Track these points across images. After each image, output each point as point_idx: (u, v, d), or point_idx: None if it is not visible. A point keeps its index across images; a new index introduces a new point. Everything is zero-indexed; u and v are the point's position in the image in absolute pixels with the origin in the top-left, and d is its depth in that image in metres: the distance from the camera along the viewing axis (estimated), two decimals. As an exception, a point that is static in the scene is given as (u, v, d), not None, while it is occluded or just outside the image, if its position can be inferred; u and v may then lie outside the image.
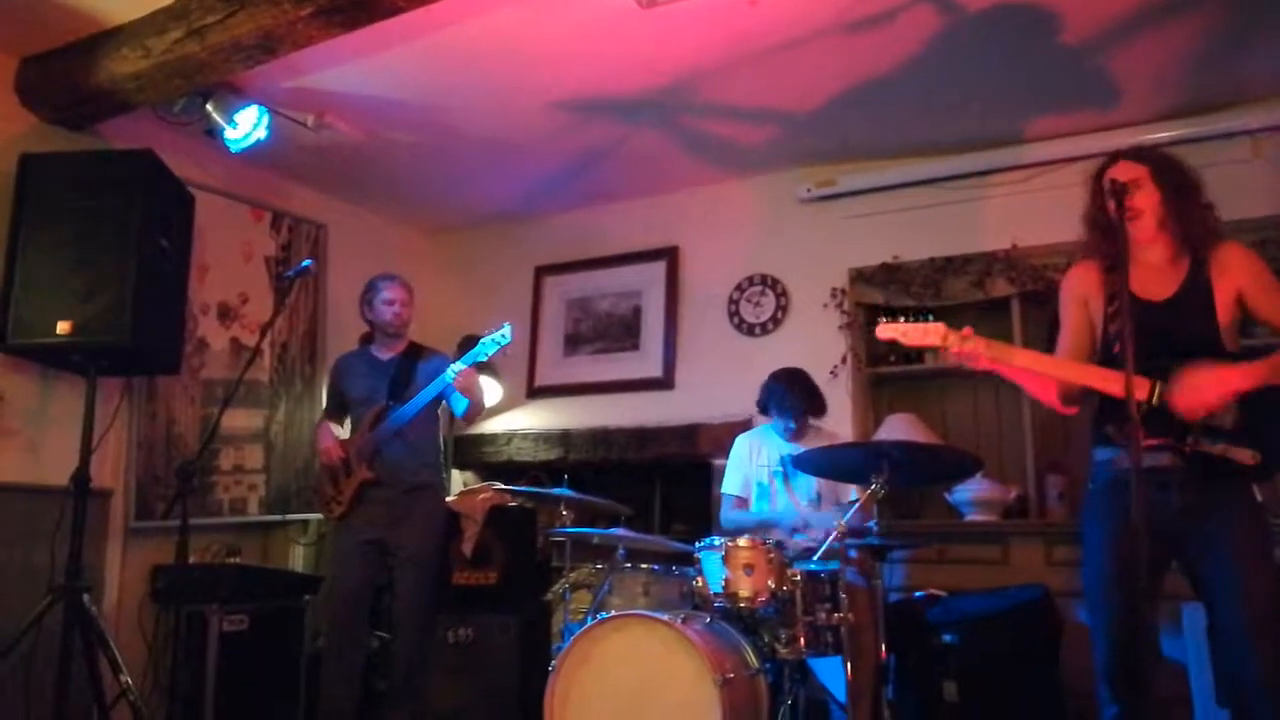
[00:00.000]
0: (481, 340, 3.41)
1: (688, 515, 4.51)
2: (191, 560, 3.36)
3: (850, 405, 4.12)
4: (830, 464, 3.13)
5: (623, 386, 4.70)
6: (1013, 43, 3.24)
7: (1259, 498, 2.19)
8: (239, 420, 4.14)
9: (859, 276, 4.22)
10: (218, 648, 3.43)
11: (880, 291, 4.16)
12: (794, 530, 3.39)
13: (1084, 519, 2.41)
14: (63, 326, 3.03)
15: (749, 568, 2.83)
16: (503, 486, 4.08)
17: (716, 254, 4.63)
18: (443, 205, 4.97)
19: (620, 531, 3.23)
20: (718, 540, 2.91)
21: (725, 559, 2.85)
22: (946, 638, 3.25)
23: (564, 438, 4.74)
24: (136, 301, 3.06)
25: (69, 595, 2.93)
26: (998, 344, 2.36)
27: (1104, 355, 2.36)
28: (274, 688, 3.67)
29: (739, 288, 4.54)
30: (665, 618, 2.68)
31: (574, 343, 4.94)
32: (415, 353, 3.72)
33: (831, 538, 2.92)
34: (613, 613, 2.85)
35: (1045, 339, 3.12)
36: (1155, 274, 2.32)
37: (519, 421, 4.95)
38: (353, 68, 3.42)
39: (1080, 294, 2.46)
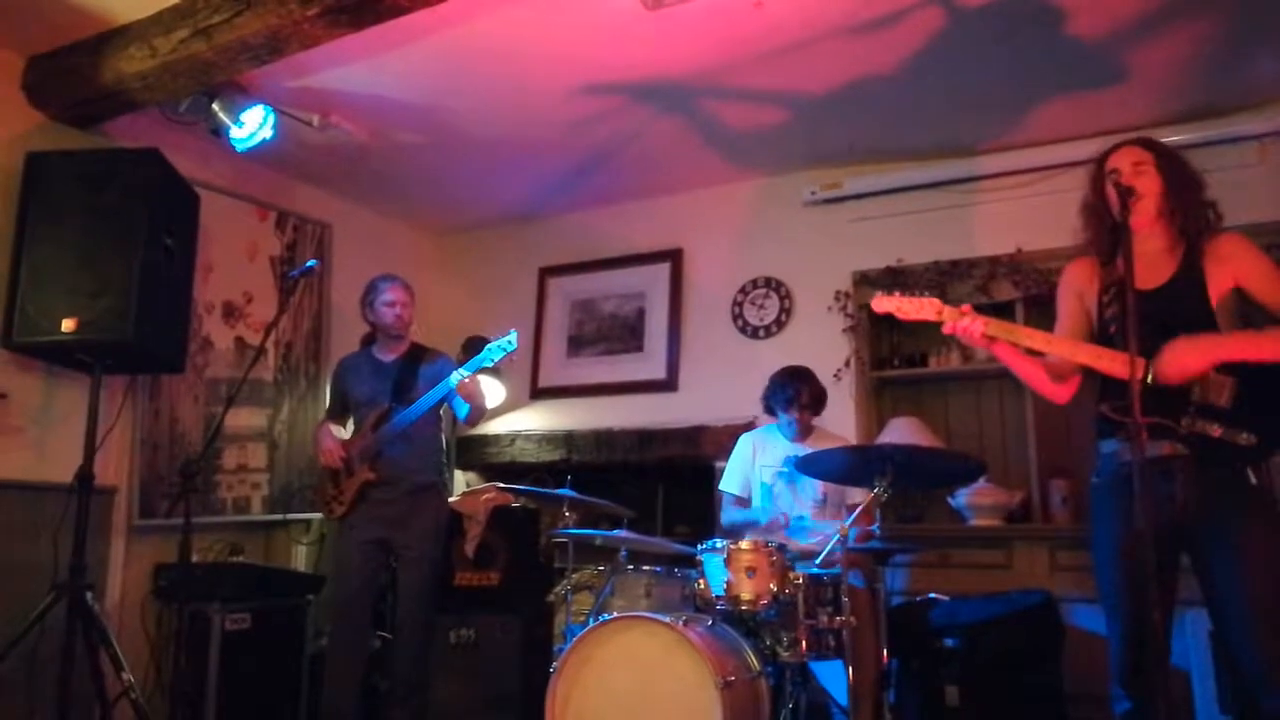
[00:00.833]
0: (487, 346, 3.41)
1: (690, 517, 4.50)
2: (194, 559, 3.36)
3: (854, 408, 4.12)
4: (834, 467, 3.12)
5: (626, 388, 4.70)
6: (1019, 46, 3.24)
7: (1255, 480, 2.18)
8: (242, 419, 4.14)
9: (863, 279, 4.22)
10: (220, 646, 3.43)
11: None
12: (778, 527, 3.39)
13: (1093, 514, 2.40)
14: (68, 324, 3.04)
15: (751, 570, 2.83)
16: (506, 486, 4.08)
17: (721, 256, 4.63)
18: (447, 206, 4.97)
19: (623, 533, 3.22)
20: (720, 543, 2.91)
21: (727, 561, 2.85)
22: (948, 642, 3.24)
23: (567, 439, 4.73)
24: (141, 300, 3.06)
25: (72, 593, 2.94)
26: (997, 321, 2.35)
27: (1100, 341, 2.36)
28: (275, 687, 3.67)
29: (743, 290, 4.54)
30: (667, 620, 2.68)
31: (578, 344, 4.95)
32: (418, 354, 3.72)
33: (833, 541, 2.91)
34: (615, 614, 2.84)
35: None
36: (1149, 262, 2.31)
37: (522, 422, 4.95)
38: (359, 68, 3.43)
39: (1075, 287, 2.48)
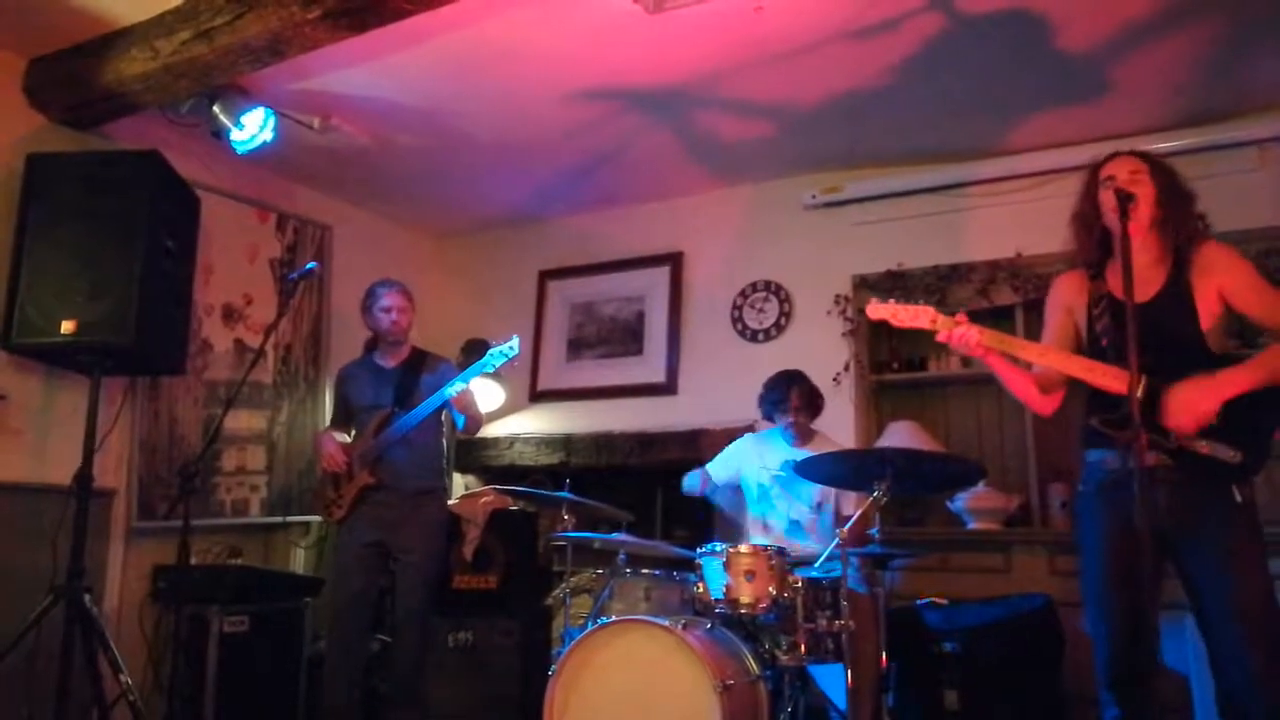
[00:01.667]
0: (489, 352, 3.41)
1: (689, 521, 4.50)
2: (193, 561, 3.35)
3: (853, 412, 4.12)
4: (832, 471, 3.12)
5: (625, 391, 4.70)
6: (1018, 50, 3.25)
7: (1239, 498, 2.19)
8: (242, 421, 4.14)
9: (863, 283, 4.22)
10: (218, 649, 3.42)
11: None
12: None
13: (1079, 521, 2.41)
14: (67, 326, 3.04)
15: (750, 574, 2.82)
16: (504, 489, 4.07)
17: (720, 259, 4.63)
18: (448, 208, 4.98)
19: (622, 536, 3.22)
20: (719, 546, 2.91)
21: (727, 565, 2.84)
22: (947, 646, 3.24)
23: (566, 442, 4.73)
24: (141, 302, 3.06)
25: (70, 595, 2.93)
26: (992, 332, 2.35)
27: (1090, 354, 2.37)
28: (274, 689, 3.66)
29: (743, 293, 4.54)
30: (666, 623, 2.68)
31: (577, 347, 4.95)
32: (419, 360, 3.72)
33: (832, 545, 2.91)
34: (613, 618, 2.84)
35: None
36: (1139, 275, 2.30)
37: (521, 425, 4.95)
38: (359, 70, 3.43)
39: (1064, 301, 2.49)
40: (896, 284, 4.11)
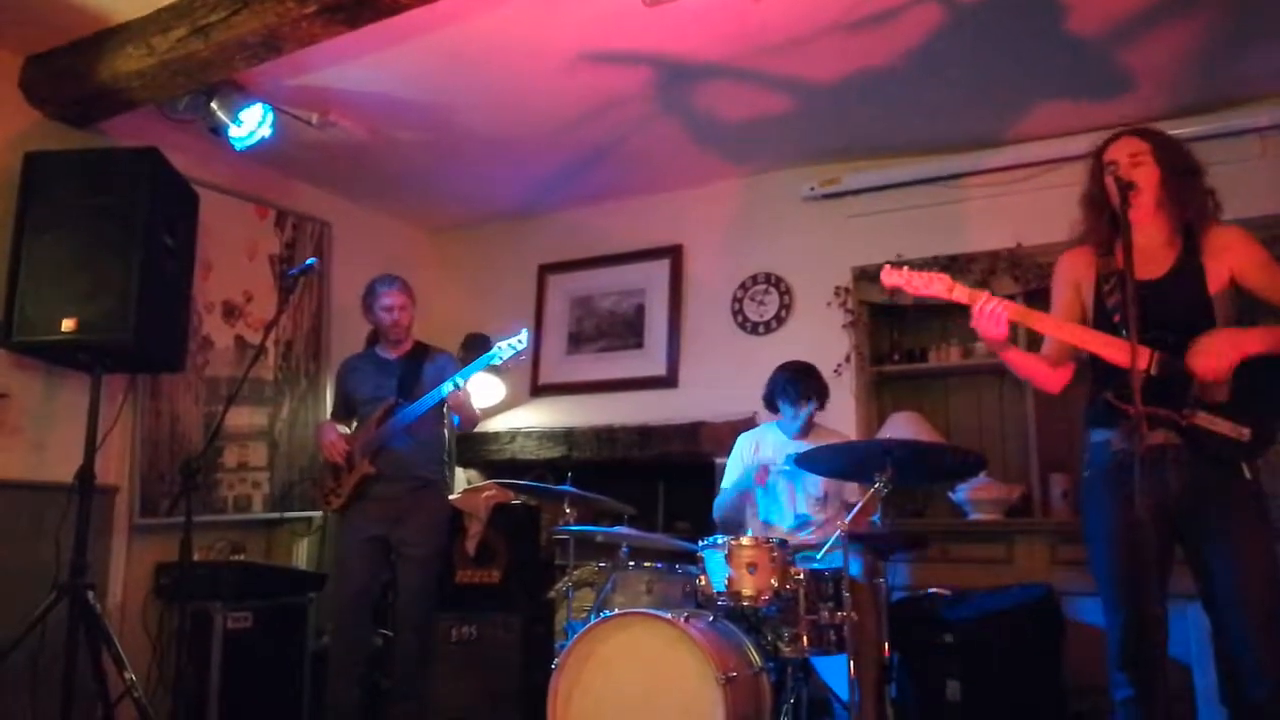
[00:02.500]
0: (496, 346, 3.41)
1: (691, 513, 4.50)
2: (195, 557, 3.36)
3: (854, 404, 4.12)
4: (834, 463, 3.12)
5: (626, 385, 4.70)
6: (1018, 39, 3.23)
7: (1248, 475, 2.20)
8: (243, 418, 4.14)
9: (863, 275, 4.21)
10: (222, 645, 3.43)
11: (884, 290, 4.14)
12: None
13: (1085, 504, 2.41)
14: (67, 324, 3.03)
15: (752, 566, 2.82)
16: (506, 484, 4.08)
17: (720, 252, 4.63)
18: (447, 203, 4.97)
19: (623, 530, 3.23)
20: (721, 539, 2.91)
21: (729, 557, 2.84)
22: (950, 637, 3.25)
23: (567, 436, 4.73)
24: (141, 299, 3.06)
25: (73, 592, 2.94)
26: (1016, 305, 2.37)
27: (1101, 330, 2.36)
28: (278, 685, 3.67)
29: (743, 286, 4.53)
30: (668, 616, 2.68)
31: (577, 341, 4.94)
32: (421, 352, 3.73)
33: (834, 538, 2.91)
34: (616, 611, 2.85)
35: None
36: (1149, 254, 2.31)
37: (522, 419, 4.95)
38: (357, 65, 3.42)
39: (1071, 278, 2.49)
40: (896, 275, 4.11)
